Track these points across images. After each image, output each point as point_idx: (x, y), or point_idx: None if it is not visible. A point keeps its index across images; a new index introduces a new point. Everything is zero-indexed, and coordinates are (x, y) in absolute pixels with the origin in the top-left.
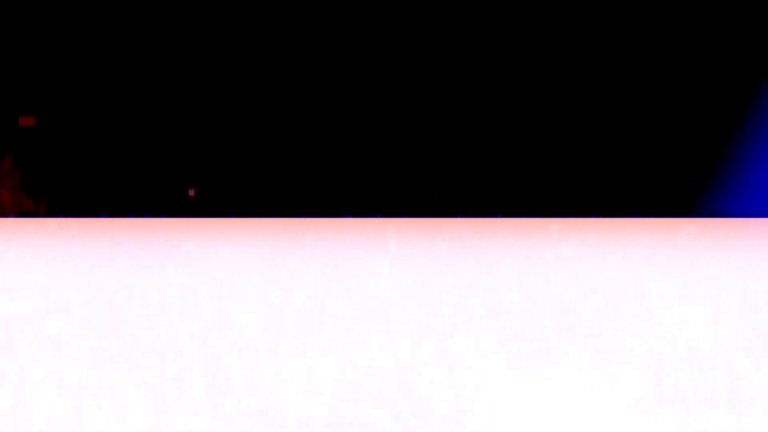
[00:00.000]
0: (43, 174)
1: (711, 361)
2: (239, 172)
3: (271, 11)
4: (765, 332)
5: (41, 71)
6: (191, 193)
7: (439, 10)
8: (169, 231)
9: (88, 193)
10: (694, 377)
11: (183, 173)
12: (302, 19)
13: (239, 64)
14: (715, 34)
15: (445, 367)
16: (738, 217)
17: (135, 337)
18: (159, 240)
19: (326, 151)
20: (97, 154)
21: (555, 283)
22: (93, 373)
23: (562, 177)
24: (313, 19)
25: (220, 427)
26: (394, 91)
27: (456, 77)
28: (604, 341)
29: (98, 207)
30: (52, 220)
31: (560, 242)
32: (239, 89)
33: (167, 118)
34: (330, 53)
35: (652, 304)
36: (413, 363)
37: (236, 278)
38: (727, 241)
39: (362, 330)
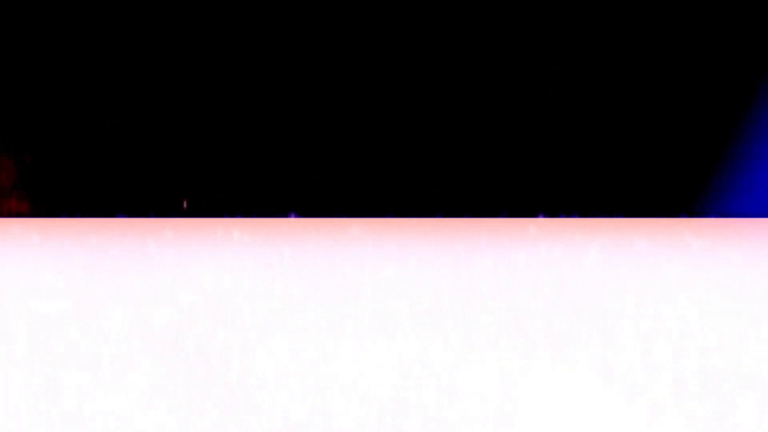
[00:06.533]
0: (40, 173)
1: (710, 360)
2: (239, 171)
3: (271, 12)
4: (765, 332)
5: (38, 70)
6: (185, 204)
7: (440, 10)
8: (167, 231)
9: (86, 193)
10: (693, 377)
11: (182, 173)
12: (302, 18)
13: (238, 64)
14: (715, 34)
15: (445, 366)
16: (738, 217)
17: (139, 339)
18: (160, 241)
19: (325, 150)
20: (96, 154)
21: (553, 283)
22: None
23: (561, 176)
24: (312, 18)
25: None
26: (394, 91)
27: (455, 77)
28: (602, 342)
29: (97, 207)
30: (50, 221)
31: (559, 242)
32: (238, 89)
33: (166, 117)
34: (329, 53)
35: (650, 304)
36: (413, 363)
37: (236, 279)
38: (727, 241)
39: (361, 330)
